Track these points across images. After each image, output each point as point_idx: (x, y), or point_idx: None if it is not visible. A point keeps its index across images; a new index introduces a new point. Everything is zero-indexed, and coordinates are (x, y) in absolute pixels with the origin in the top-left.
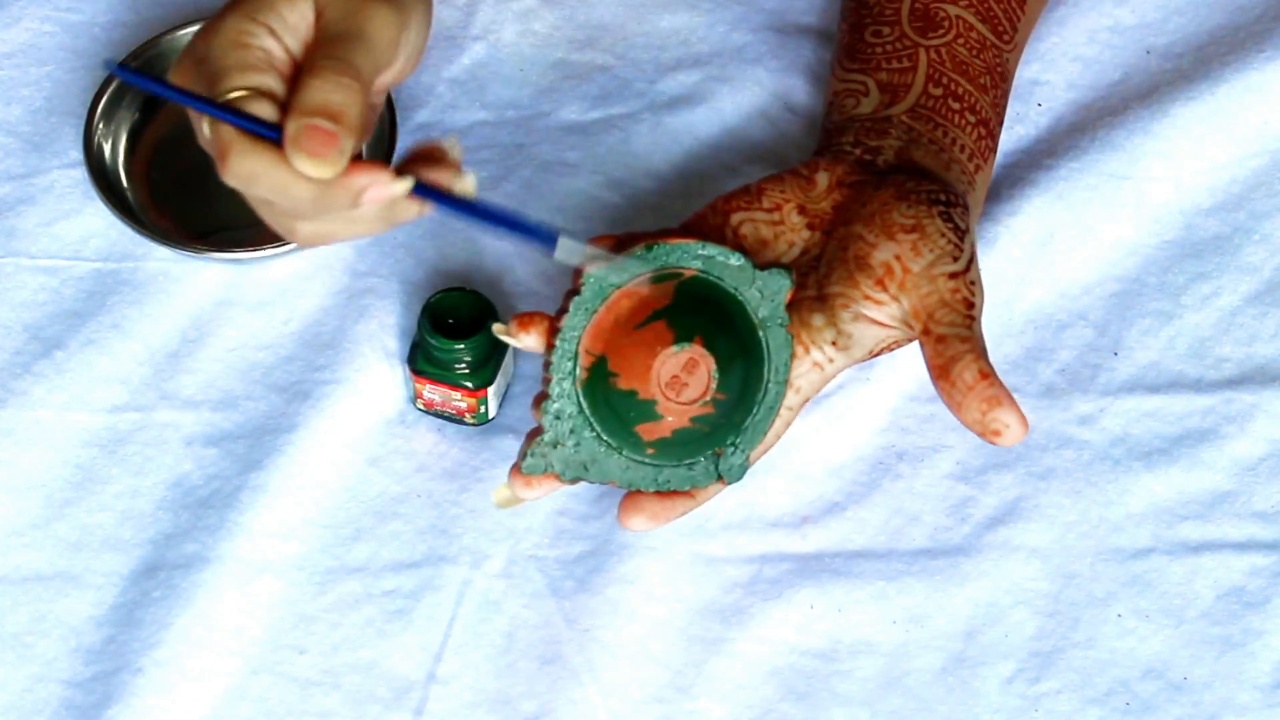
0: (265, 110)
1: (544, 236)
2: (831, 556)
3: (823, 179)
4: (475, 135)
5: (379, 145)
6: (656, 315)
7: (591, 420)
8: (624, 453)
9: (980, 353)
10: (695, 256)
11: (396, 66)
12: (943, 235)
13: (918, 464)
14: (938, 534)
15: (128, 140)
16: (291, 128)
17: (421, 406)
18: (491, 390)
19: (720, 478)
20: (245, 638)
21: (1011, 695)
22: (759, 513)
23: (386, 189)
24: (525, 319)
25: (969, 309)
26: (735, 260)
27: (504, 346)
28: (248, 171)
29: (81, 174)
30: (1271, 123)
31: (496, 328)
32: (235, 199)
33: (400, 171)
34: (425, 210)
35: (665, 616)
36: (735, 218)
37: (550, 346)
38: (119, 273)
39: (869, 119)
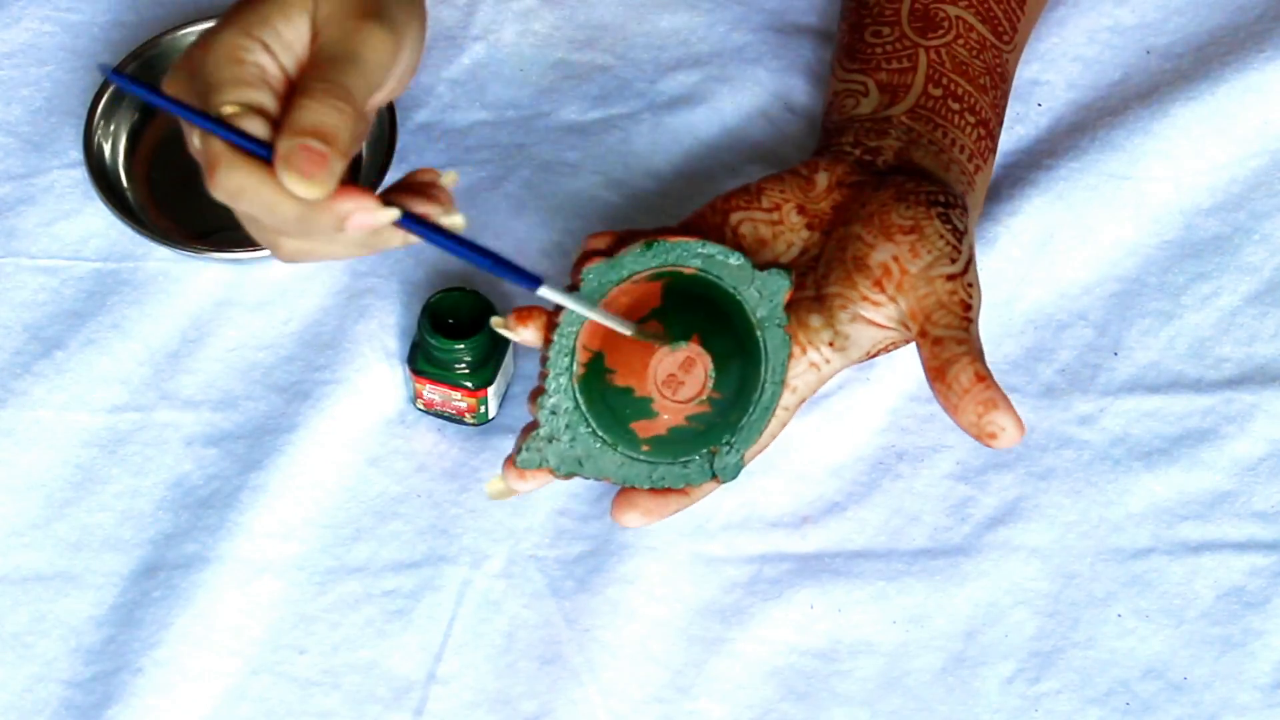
0: (256, 127)
1: (528, 281)
2: (831, 556)
3: (822, 179)
4: (475, 135)
5: (379, 145)
6: (655, 313)
7: (587, 416)
8: (619, 449)
9: (977, 355)
10: (695, 255)
11: (388, 88)
12: (941, 237)
13: (918, 464)
14: (938, 534)
15: (128, 140)
16: (283, 146)
17: (421, 406)
18: (491, 390)
19: (715, 476)
20: (245, 638)
21: (1011, 695)
22: (759, 513)
23: (372, 216)
24: (524, 313)
25: (966, 311)
26: (735, 260)
27: (504, 346)
28: (235, 186)
29: (81, 174)
30: (1271, 123)
31: (495, 321)
32: None
33: (389, 200)
34: (410, 240)
35: (665, 616)
36: (735, 217)
37: (548, 341)
38: (119, 273)
39: (869, 119)
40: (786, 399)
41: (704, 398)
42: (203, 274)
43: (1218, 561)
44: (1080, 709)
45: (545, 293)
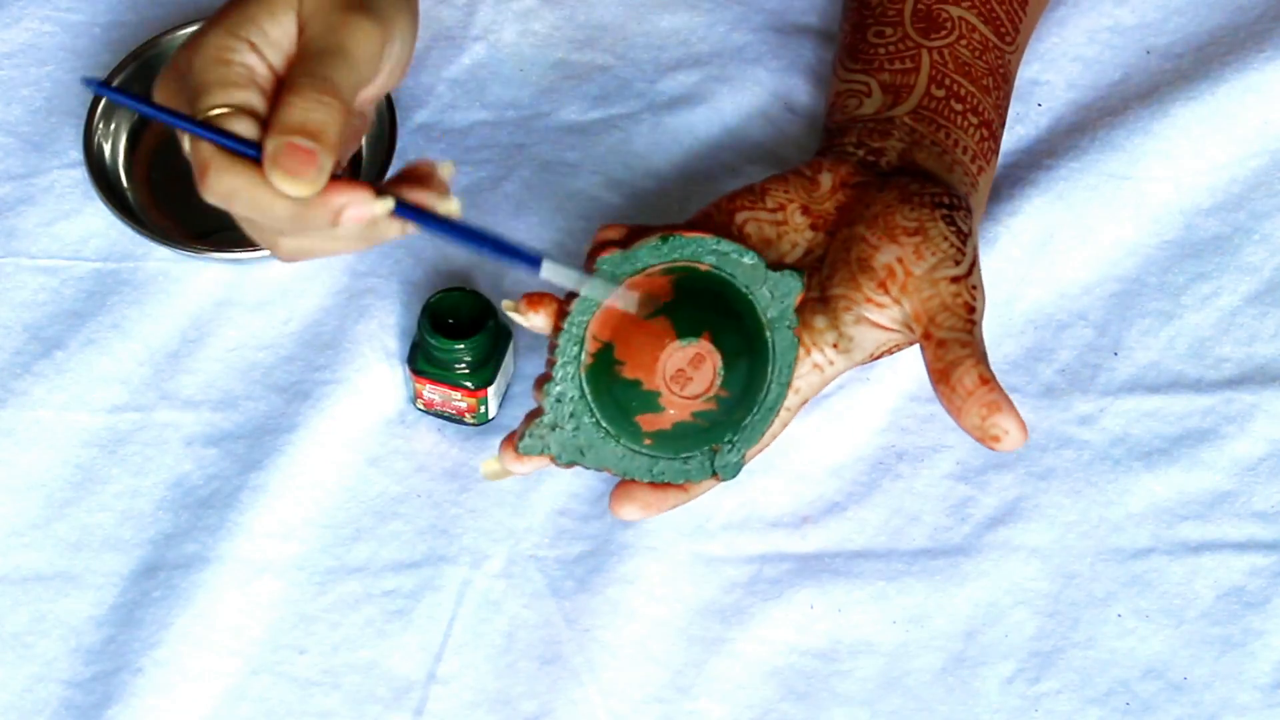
0: (245, 128)
1: (528, 259)
2: (831, 556)
3: (826, 180)
4: (475, 135)
5: (379, 145)
6: (667, 307)
7: (592, 406)
8: (621, 441)
9: (980, 357)
10: (710, 251)
11: (380, 80)
12: (945, 239)
13: (918, 464)
14: (938, 534)
15: (128, 140)
16: (270, 146)
17: (421, 406)
18: (491, 390)
19: (715, 474)
20: (245, 638)
21: (1011, 695)
22: (759, 513)
23: (366, 208)
24: (535, 299)
25: (970, 313)
26: (749, 259)
27: (504, 346)
28: (227, 189)
29: (81, 174)
30: (1271, 123)
31: (505, 304)
32: None
33: (383, 191)
34: (408, 230)
35: (665, 616)
36: (740, 217)
37: (557, 329)
38: (119, 273)
39: (872, 120)
40: (789, 400)
41: (711, 395)
42: (203, 274)
43: (1218, 561)
44: (1080, 709)
45: (548, 269)
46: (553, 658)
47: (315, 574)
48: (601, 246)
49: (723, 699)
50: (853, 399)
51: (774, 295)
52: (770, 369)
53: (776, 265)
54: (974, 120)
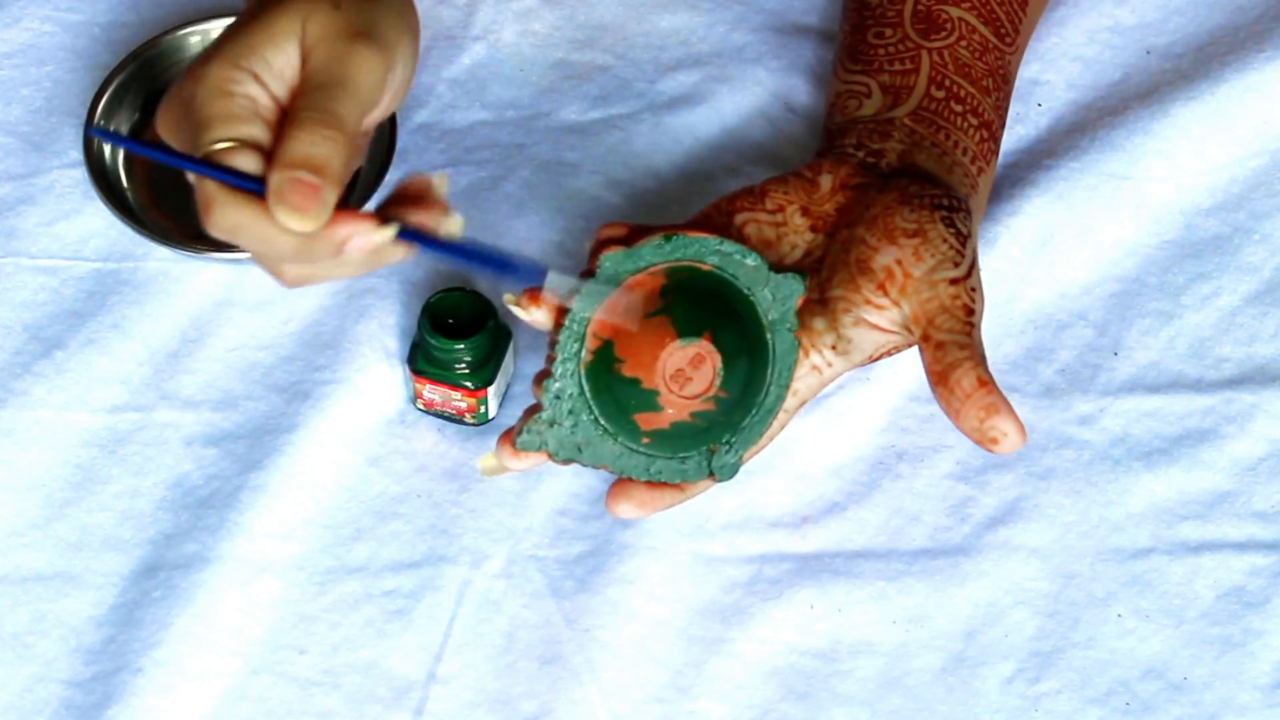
0: (248, 162)
1: (532, 274)
2: (831, 556)
3: (826, 181)
4: (475, 135)
5: (379, 145)
6: (668, 307)
7: (591, 404)
8: (619, 439)
9: (979, 360)
10: (713, 252)
11: (383, 105)
12: (944, 241)
13: (918, 464)
14: (938, 534)
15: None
16: (274, 181)
17: (421, 406)
18: (491, 390)
19: (712, 474)
20: (245, 638)
21: (1011, 695)
22: (759, 513)
23: (370, 238)
24: (536, 294)
25: (969, 315)
26: (751, 260)
27: (504, 346)
28: (231, 224)
29: (81, 174)
30: (1271, 123)
31: (507, 297)
32: None
33: (385, 215)
34: (413, 252)
35: (665, 616)
36: (739, 218)
37: (558, 325)
38: (119, 273)
39: (872, 121)
40: (787, 401)
41: (710, 395)
42: (203, 274)
43: (1218, 561)
44: (1080, 709)
45: (552, 280)
46: (553, 658)
47: (315, 574)
48: (604, 244)
49: (723, 699)
50: (853, 399)
51: (775, 297)
52: (770, 371)
53: (779, 267)
54: (974, 121)
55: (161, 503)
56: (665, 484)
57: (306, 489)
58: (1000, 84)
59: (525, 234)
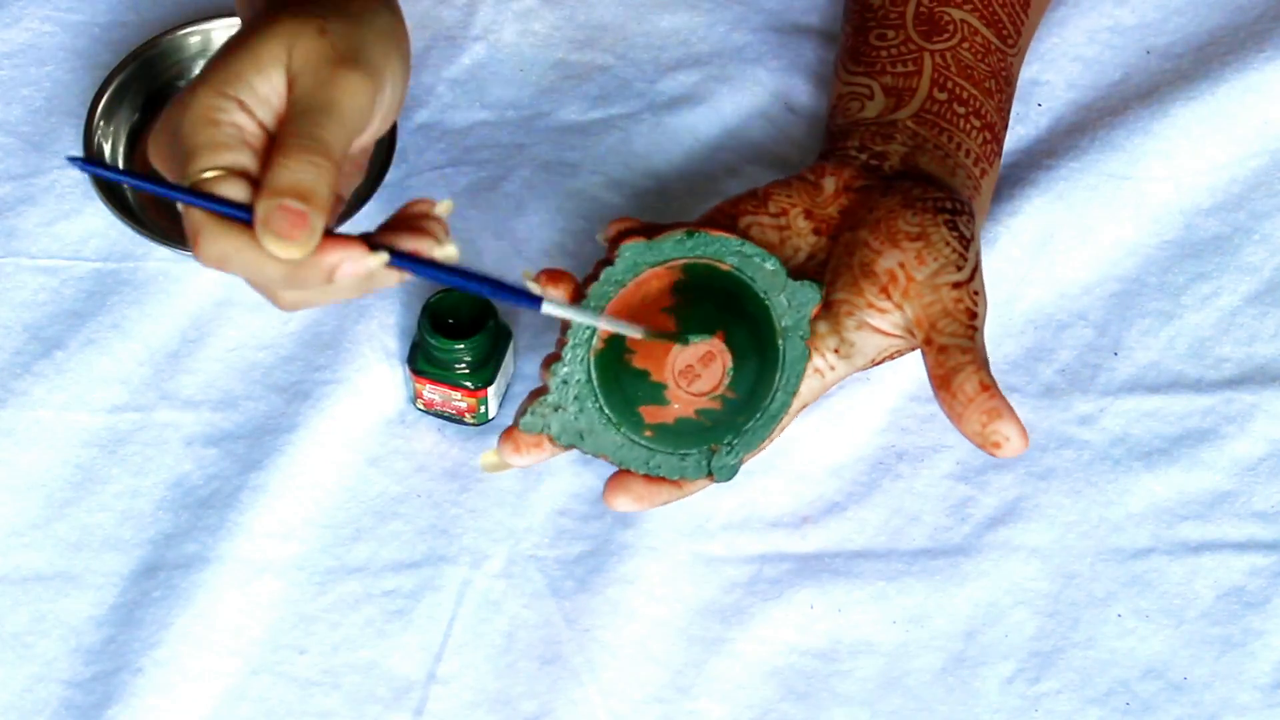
0: (235, 190)
1: (529, 300)
2: (831, 556)
3: (829, 184)
4: (475, 135)
5: (379, 145)
6: (683, 303)
7: (598, 392)
8: (622, 430)
9: (981, 364)
10: (733, 252)
11: (373, 128)
12: (947, 244)
13: (918, 464)
14: (938, 534)
15: (128, 140)
16: (261, 209)
17: (421, 406)
18: (491, 390)
19: (710, 474)
20: (245, 638)
21: (1011, 695)
22: (759, 513)
23: (360, 264)
24: (554, 275)
25: (971, 319)
26: (770, 264)
27: (504, 346)
28: (220, 253)
29: (81, 174)
30: (1271, 123)
31: (525, 272)
32: None
33: (378, 241)
34: (405, 278)
35: (665, 616)
36: (743, 221)
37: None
38: (119, 273)
39: (874, 123)
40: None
41: (717, 394)
42: (203, 274)
43: (1218, 561)
44: (1080, 709)
45: (549, 309)
46: (553, 658)
47: (315, 574)
48: (625, 234)
49: (723, 699)
50: (853, 399)
51: (790, 304)
52: (778, 377)
53: (797, 274)
54: (976, 123)
55: (161, 503)
56: (663, 479)
57: (306, 489)
58: (1002, 85)
59: (525, 234)
